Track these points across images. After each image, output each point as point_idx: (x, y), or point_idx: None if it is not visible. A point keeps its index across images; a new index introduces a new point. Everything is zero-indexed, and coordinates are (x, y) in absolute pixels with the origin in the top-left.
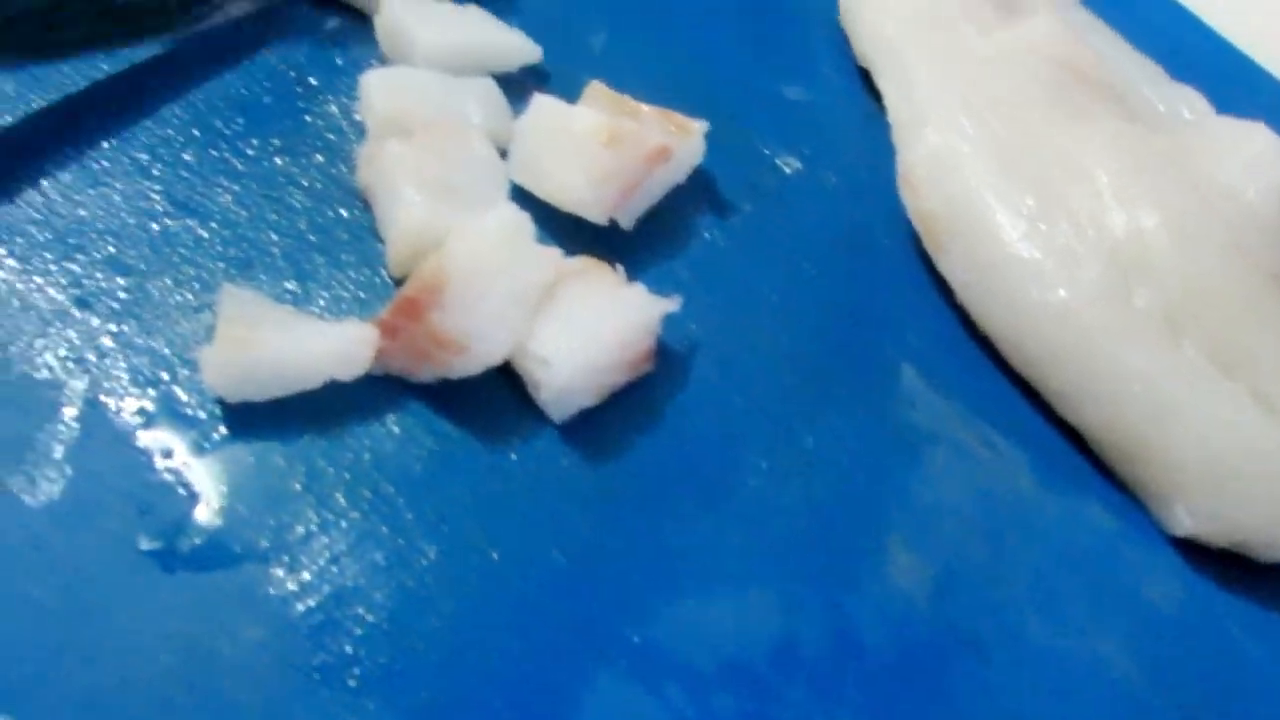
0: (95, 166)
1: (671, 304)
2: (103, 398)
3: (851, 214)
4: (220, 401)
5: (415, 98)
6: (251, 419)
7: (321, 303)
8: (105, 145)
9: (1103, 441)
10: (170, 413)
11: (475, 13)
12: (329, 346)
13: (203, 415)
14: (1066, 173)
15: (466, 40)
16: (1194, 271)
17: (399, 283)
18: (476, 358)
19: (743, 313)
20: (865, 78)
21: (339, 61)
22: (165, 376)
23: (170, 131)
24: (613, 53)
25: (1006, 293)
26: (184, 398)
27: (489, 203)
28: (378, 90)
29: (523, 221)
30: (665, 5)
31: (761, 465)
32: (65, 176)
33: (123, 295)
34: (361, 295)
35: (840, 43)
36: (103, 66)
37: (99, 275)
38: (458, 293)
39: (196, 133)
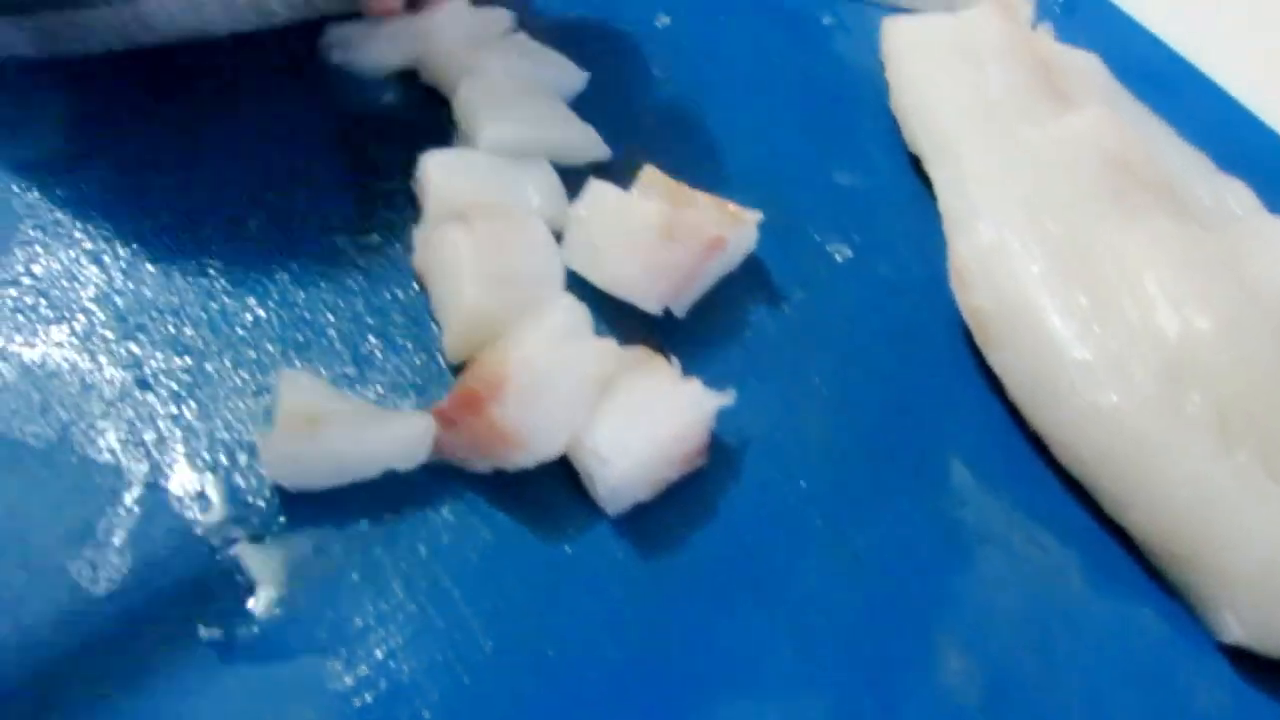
0: (155, 243)
1: (726, 399)
2: (163, 482)
3: (902, 304)
4: (279, 488)
5: (474, 182)
6: (310, 506)
7: (379, 387)
8: (166, 220)
9: (1153, 545)
10: (230, 498)
11: (547, 102)
12: (389, 437)
13: (261, 502)
14: (1118, 272)
15: (536, 134)
16: (1246, 375)
17: (456, 368)
18: (534, 452)
19: (794, 404)
20: (916, 163)
21: (402, 139)
22: (224, 461)
23: (230, 207)
24: (665, 135)
25: (1058, 393)
26: (243, 483)
27: (547, 291)
28: (436, 172)
29: (582, 315)
30: (718, 89)
31: (813, 562)
32: (125, 253)
33: (182, 376)
34: (418, 380)
35: (891, 128)
36: (164, 139)
37: (159, 355)
38: (518, 388)
39: (256, 208)
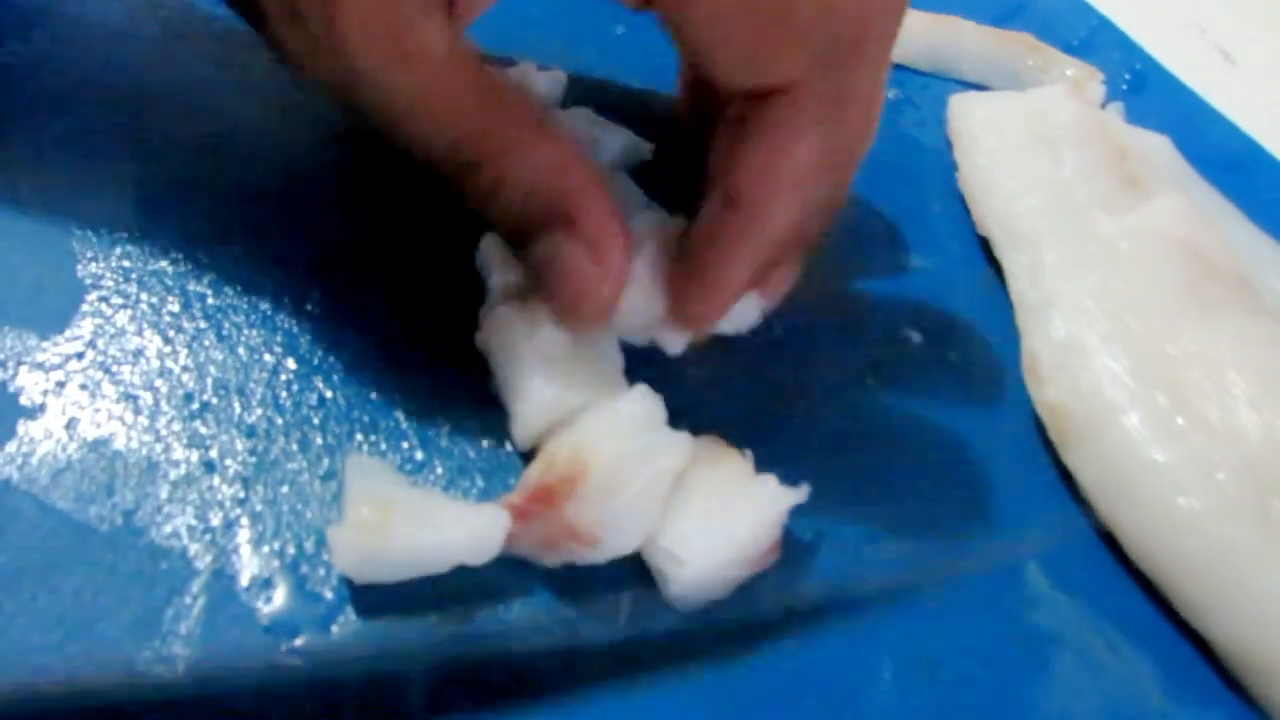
0: (219, 318)
1: (800, 495)
2: (229, 570)
3: (974, 394)
4: (346, 579)
5: None
6: (379, 599)
7: (445, 472)
8: (229, 294)
9: (1233, 656)
10: (296, 589)
11: (611, 176)
12: (462, 533)
13: (329, 594)
14: (1199, 371)
15: None
16: None
17: (525, 455)
18: (608, 549)
19: (865, 499)
20: (986, 246)
21: (467, 217)
22: (291, 550)
23: (294, 280)
24: None
25: (1136, 495)
26: (309, 572)
27: (612, 375)
28: (498, 250)
29: (656, 406)
30: None
31: (887, 667)
32: (190, 328)
33: (248, 458)
34: (485, 466)
35: (960, 209)
36: (229, 209)
37: (224, 437)
38: (593, 484)
39: (319, 284)
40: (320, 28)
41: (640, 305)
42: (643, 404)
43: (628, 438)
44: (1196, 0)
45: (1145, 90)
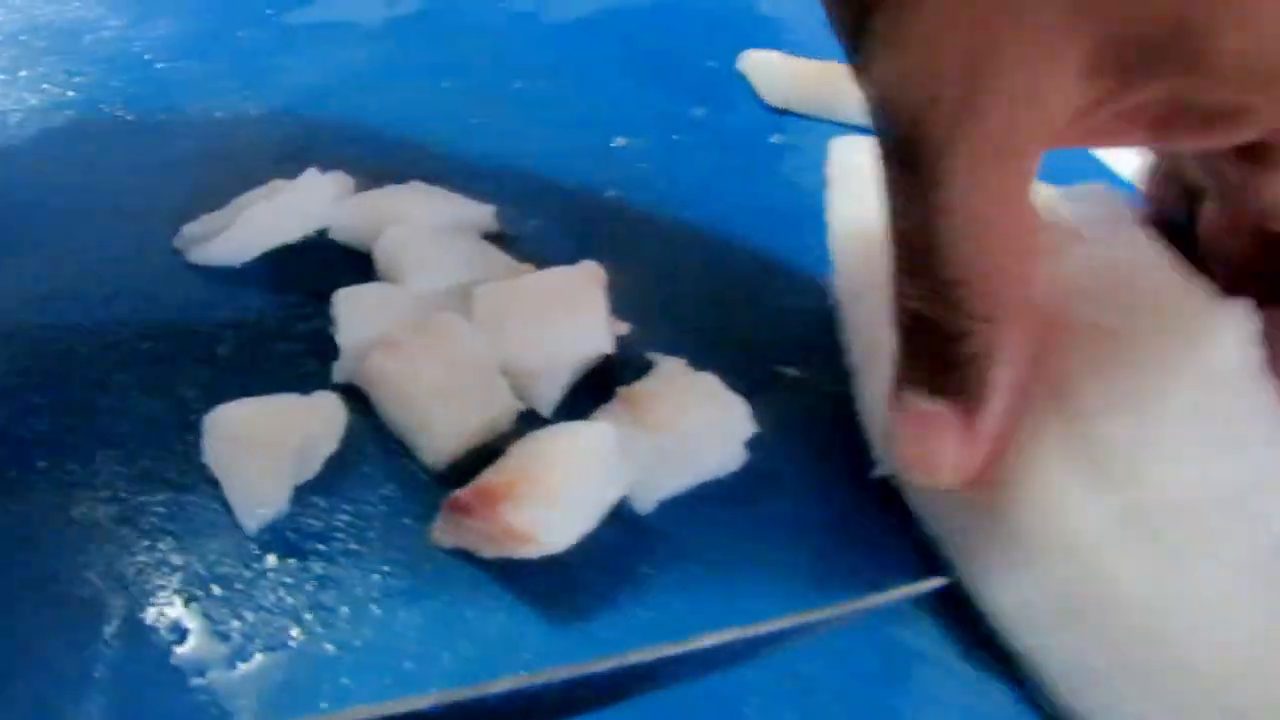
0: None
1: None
2: (140, 615)
3: (852, 424)
4: (256, 612)
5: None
6: (285, 636)
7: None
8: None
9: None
10: (206, 629)
11: (468, 241)
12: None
13: (236, 628)
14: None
15: (463, 274)
16: None
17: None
18: (540, 549)
19: (746, 524)
20: None
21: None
22: (200, 592)
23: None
24: (618, 256)
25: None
26: (217, 613)
27: (500, 391)
28: (347, 308)
29: (610, 440)
30: (669, 210)
31: (760, 680)
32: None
33: (159, 509)
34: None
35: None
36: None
37: (140, 494)
38: (532, 490)
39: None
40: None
41: None
42: (598, 433)
43: (576, 458)
44: None
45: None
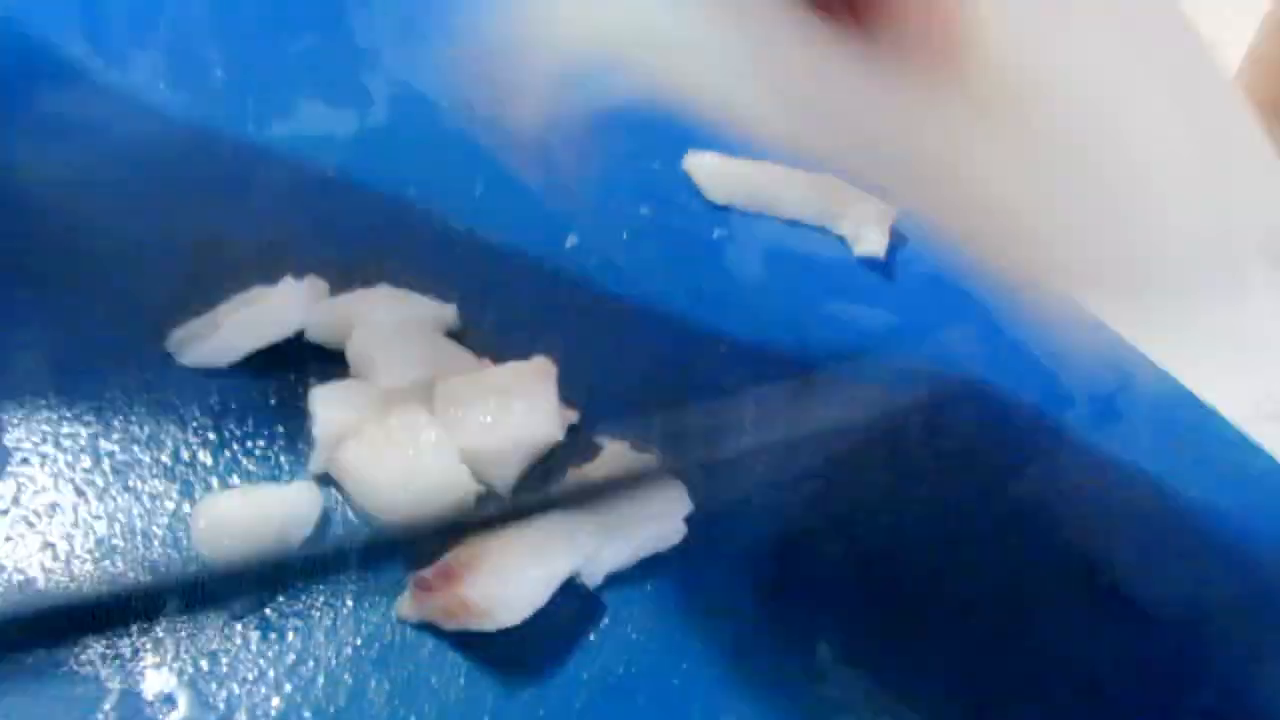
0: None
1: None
2: (135, 689)
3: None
4: (238, 685)
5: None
6: (267, 705)
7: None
8: (133, 452)
9: None
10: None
11: (432, 340)
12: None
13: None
14: None
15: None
16: None
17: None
18: (496, 621)
19: (688, 596)
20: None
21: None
22: (190, 668)
23: (196, 430)
24: (570, 350)
25: None
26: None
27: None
28: (325, 402)
29: (554, 514)
30: (621, 302)
31: None
32: (100, 481)
33: (151, 591)
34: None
35: (784, 337)
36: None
37: (131, 574)
38: (488, 569)
39: (220, 433)
40: None
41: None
42: (548, 516)
43: (529, 539)
44: None
45: None
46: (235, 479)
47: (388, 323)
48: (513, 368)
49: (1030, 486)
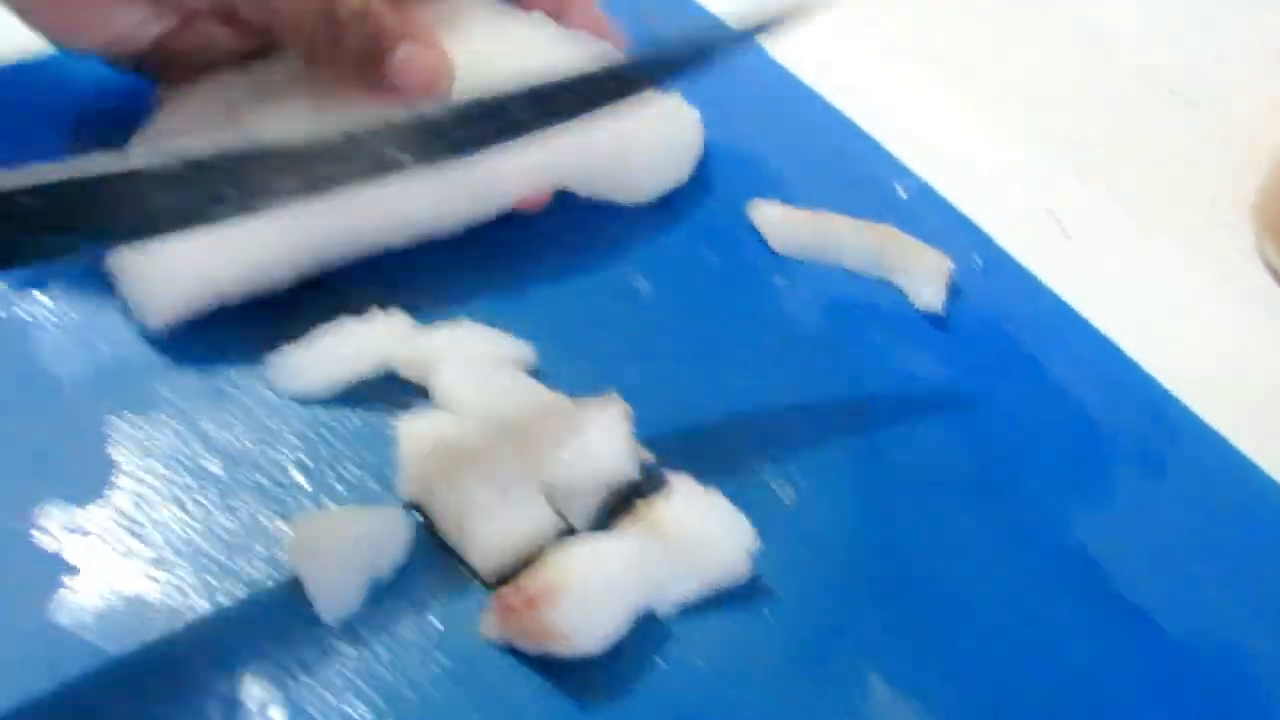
0: (227, 490)
1: None
2: (236, 695)
3: (837, 551)
4: (332, 694)
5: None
6: (356, 716)
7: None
8: (237, 469)
9: None
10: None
11: (513, 377)
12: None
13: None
14: None
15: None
16: None
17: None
18: (577, 649)
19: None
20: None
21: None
22: (287, 680)
23: (279, 466)
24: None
25: None
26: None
27: (542, 508)
28: (413, 436)
29: (629, 543)
30: (684, 347)
31: None
32: (203, 499)
33: (250, 607)
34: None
35: (839, 396)
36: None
37: (228, 583)
38: (571, 599)
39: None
40: None
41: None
42: (623, 546)
43: (605, 568)
44: (1046, 182)
45: (992, 273)
46: (327, 500)
47: (471, 358)
48: (591, 407)
49: (1079, 536)
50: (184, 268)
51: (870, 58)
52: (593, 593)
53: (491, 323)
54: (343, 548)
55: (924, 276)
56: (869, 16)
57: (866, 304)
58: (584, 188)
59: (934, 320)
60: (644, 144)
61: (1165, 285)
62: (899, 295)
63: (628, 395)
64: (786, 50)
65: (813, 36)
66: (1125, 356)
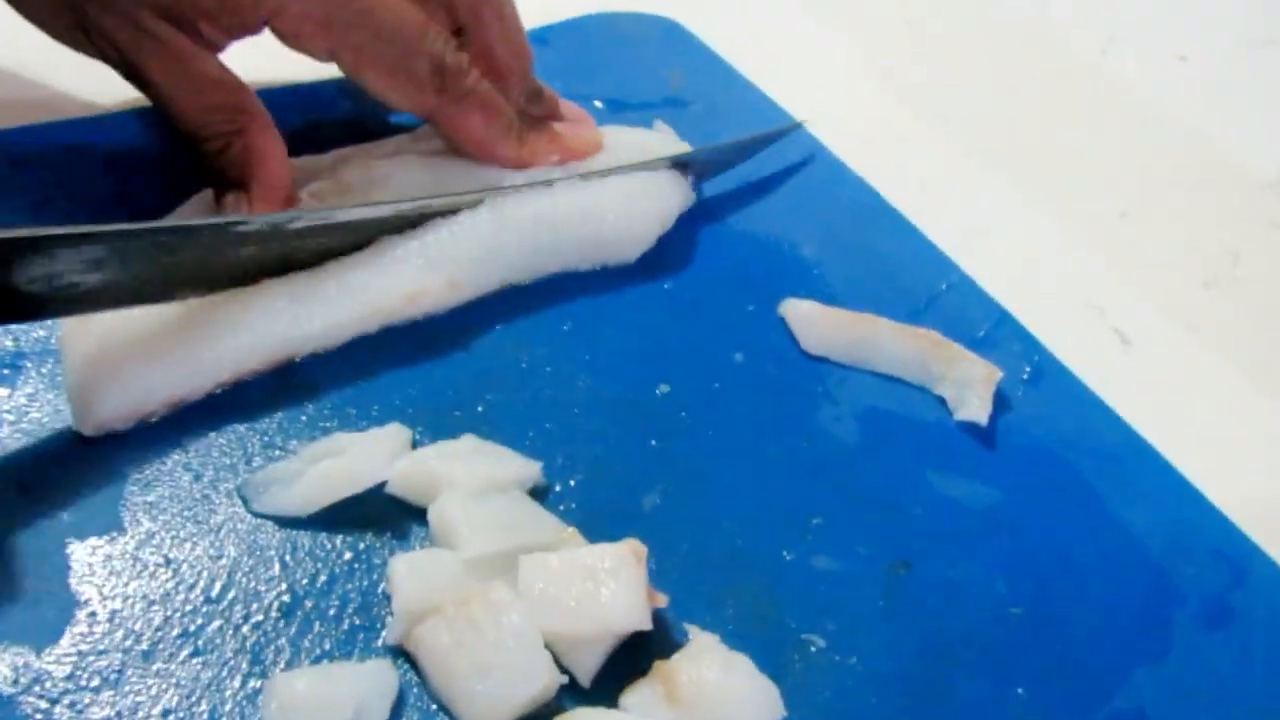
0: (197, 639)
1: None
2: None
3: (871, 697)
4: None
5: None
6: None
7: None
8: (205, 614)
9: None
10: None
11: (516, 501)
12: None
13: None
14: None
15: (514, 540)
16: None
17: None
18: None
19: None
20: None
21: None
22: None
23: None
24: (655, 514)
25: None
26: None
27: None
28: (405, 570)
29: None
30: (706, 460)
31: None
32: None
33: None
34: None
35: (873, 512)
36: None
37: None
38: None
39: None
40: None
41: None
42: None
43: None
44: (1096, 281)
45: (1042, 382)
46: (307, 642)
47: (471, 484)
48: (603, 549)
49: (1137, 693)
50: (129, 373)
51: (912, 141)
52: None
53: (495, 434)
54: (323, 710)
55: (969, 386)
56: (906, 91)
57: (904, 414)
58: (570, 263)
59: (978, 434)
60: (611, 204)
61: (1231, 404)
62: (940, 405)
63: (643, 519)
64: (824, 130)
65: (850, 116)
66: (1191, 486)
